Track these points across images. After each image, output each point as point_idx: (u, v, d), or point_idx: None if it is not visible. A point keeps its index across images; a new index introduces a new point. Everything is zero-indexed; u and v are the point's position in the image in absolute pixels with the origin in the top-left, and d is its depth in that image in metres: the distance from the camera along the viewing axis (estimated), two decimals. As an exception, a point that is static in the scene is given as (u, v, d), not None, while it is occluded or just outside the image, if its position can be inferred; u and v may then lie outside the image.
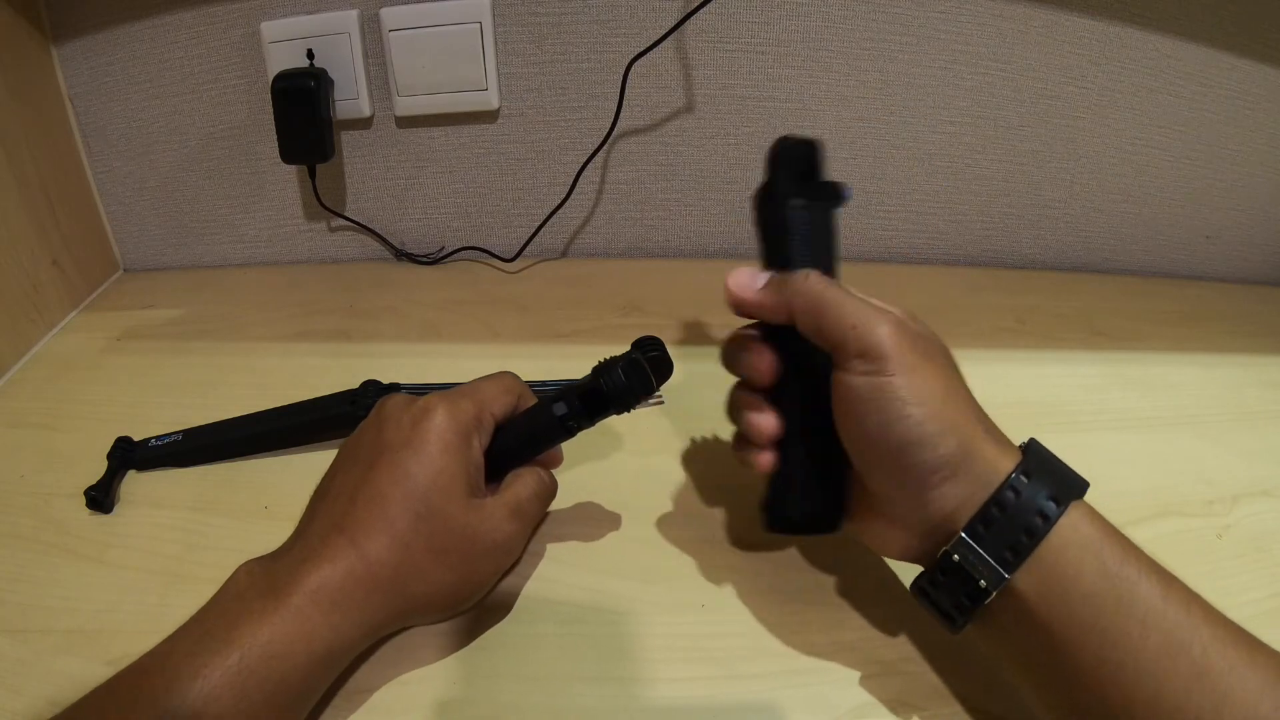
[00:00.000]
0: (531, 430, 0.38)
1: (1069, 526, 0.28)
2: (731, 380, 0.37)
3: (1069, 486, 0.29)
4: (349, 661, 0.32)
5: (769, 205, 0.35)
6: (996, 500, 0.29)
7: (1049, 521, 0.28)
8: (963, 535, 0.29)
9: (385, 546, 0.32)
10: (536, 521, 0.39)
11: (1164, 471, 0.46)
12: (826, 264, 0.35)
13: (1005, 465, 0.29)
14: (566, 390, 0.36)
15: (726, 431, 0.48)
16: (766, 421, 0.34)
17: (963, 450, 0.29)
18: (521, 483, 0.36)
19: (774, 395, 0.35)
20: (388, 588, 0.31)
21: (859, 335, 0.31)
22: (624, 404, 0.36)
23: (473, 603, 0.36)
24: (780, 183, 0.35)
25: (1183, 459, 0.47)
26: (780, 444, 0.35)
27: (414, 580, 0.32)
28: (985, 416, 0.31)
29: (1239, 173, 0.64)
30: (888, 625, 0.36)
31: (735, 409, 0.36)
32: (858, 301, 0.32)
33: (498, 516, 0.34)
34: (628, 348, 0.48)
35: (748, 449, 0.36)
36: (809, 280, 0.33)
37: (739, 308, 0.34)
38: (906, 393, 0.30)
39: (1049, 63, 0.60)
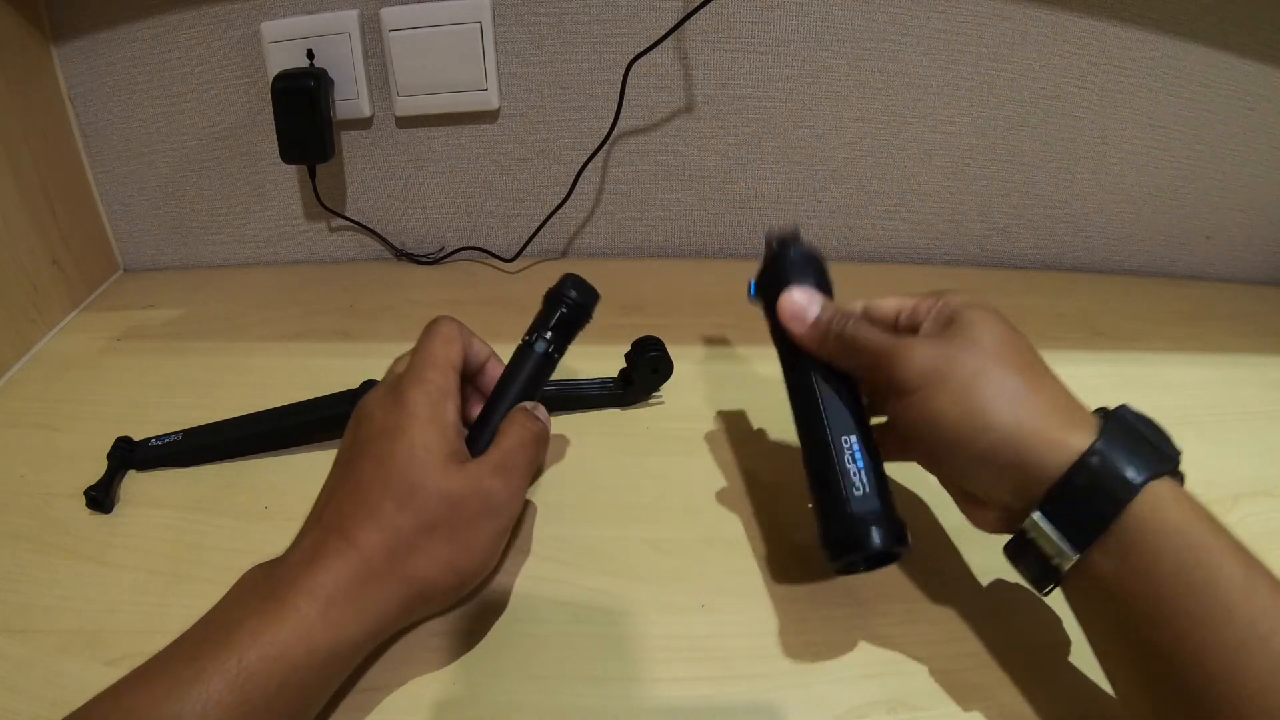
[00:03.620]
0: (516, 372, 0.39)
1: (1148, 506, 0.28)
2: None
3: (1149, 461, 0.29)
4: (358, 661, 0.32)
5: (786, 251, 0.39)
6: (1066, 481, 0.29)
7: (1119, 505, 0.28)
8: (1034, 516, 0.30)
9: (374, 532, 0.31)
10: (531, 469, 0.37)
11: (1164, 471, 0.46)
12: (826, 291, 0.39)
13: (1079, 444, 0.29)
14: (537, 326, 0.40)
15: (726, 431, 0.48)
16: None
17: (1023, 447, 0.30)
18: (505, 436, 0.36)
19: (824, 421, 0.35)
20: (385, 575, 0.31)
21: (891, 372, 0.33)
22: (586, 314, 0.40)
23: (479, 578, 0.35)
24: (790, 242, 0.39)
25: (1183, 459, 0.47)
26: (824, 470, 0.35)
27: (411, 561, 0.32)
28: (1058, 392, 0.32)
29: (1239, 173, 0.64)
30: (887, 626, 0.36)
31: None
32: (884, 338, 0.34)
33: (481, 477, 0.34)
34: (628, 348, 0.49)
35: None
36: (838, 324, 0.35)
37: (796, 340, 0.37)
38: (955, 414, 0.31)
39: (1049, 63, 0.60)
